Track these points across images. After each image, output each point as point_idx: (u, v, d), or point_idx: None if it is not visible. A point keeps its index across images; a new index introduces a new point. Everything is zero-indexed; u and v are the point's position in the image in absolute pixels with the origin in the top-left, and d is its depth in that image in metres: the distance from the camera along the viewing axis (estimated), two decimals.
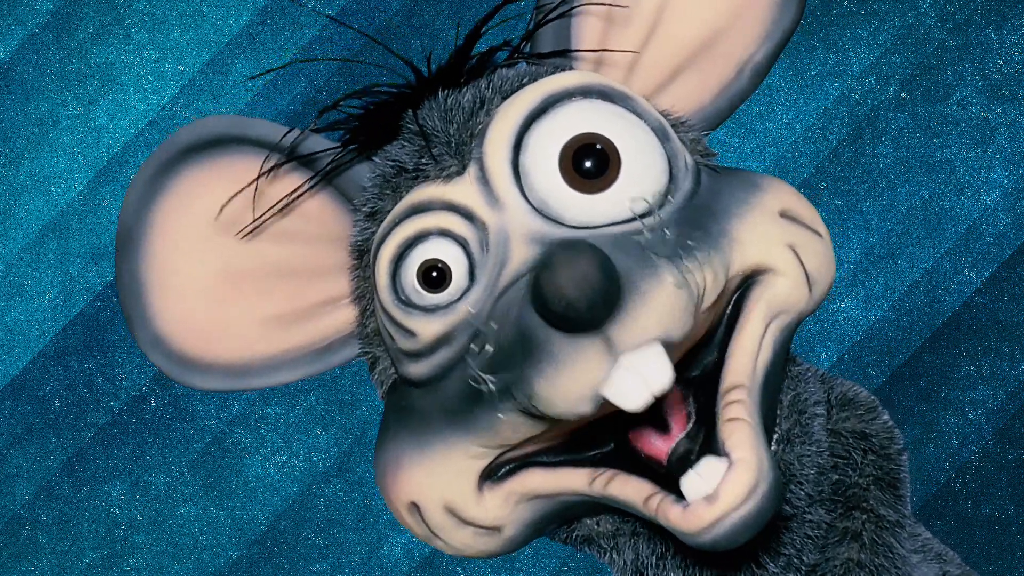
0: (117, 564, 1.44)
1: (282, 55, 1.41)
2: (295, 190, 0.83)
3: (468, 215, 0.79)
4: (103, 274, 1.42)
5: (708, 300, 0.77)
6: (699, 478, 0.74)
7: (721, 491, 0.74)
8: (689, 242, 0.76)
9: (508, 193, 0.79)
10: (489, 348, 0.75)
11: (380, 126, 0.83)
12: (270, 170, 0.83)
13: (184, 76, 1.42)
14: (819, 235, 0.83)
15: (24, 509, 1.43)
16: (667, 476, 0.76)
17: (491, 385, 0.75)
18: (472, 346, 0.76)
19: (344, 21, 1.40)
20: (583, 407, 0.74)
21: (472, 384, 0.76)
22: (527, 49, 0.84)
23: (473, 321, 0.78)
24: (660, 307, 0.73)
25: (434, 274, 0.79)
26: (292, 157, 0.83)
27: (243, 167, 0.84)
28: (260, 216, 0.83)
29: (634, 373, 0.73)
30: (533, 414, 0.76)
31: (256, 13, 1.42)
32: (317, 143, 0.84)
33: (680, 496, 0.75)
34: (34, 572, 1.44)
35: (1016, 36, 1.41)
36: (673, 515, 0.75)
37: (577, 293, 0.70)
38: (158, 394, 1.43)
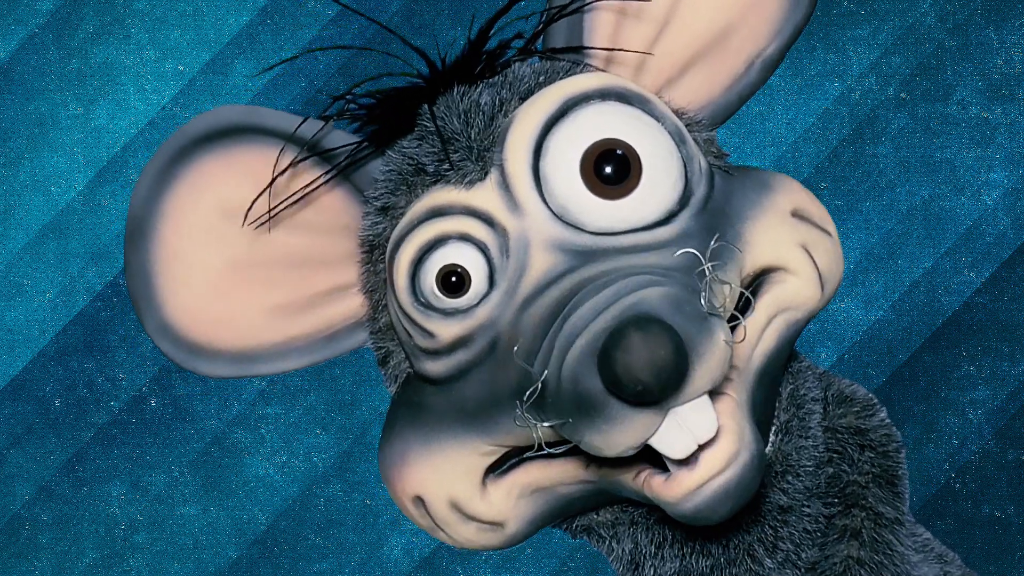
0: (117, 564, 1.44)
1: (282, 55, 1.41)
2: (311, 183, 0.83)
3: (488, 220, 0.79)
4: (103, 274, 1.42)
5: (728, 313, 0.77)
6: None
7: (702, 458, 0.74)
8: (712, 265, 0.77)
9: (528, 199, 0.79)
10: (541, 389, 0.75)
11: (395, 120, 0.83)
12: (288, 167, 0.83)
13: (184, 76, 1.42)
14: (829, 234, 0.83)
15: (24, 509, 1.43)
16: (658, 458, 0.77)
17: (540, 431, 0.75)
18: (528, 392, 0.76)
19: (345, 20, 1.40)
20: (628, 452, 0.74)
21: (518, 421, 0.76)
22: (540, 44, 0.84)
23: (494, 329, 0.78)
24: (714, 366, 0.73)
25: (453, 279, 0.79)
26: (311, 153, 0.83)
27: (255, 157, 0.84)
28: (274, 207, 0.83)
29: (683, 428, 0.74)
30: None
31: (256, 13, 1.42)
32: (331, 135, 0.84)
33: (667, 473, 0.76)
34: (34, 572, 1.44)
35: (1016, 36, 1.41)
36: (656, 484, 0.76)
37: (652, 378, 0.70)
38: (158, 394, 1.43)
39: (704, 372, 0.73)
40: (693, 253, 0.77)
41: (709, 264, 0.76)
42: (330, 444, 1.43)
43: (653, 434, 0.73)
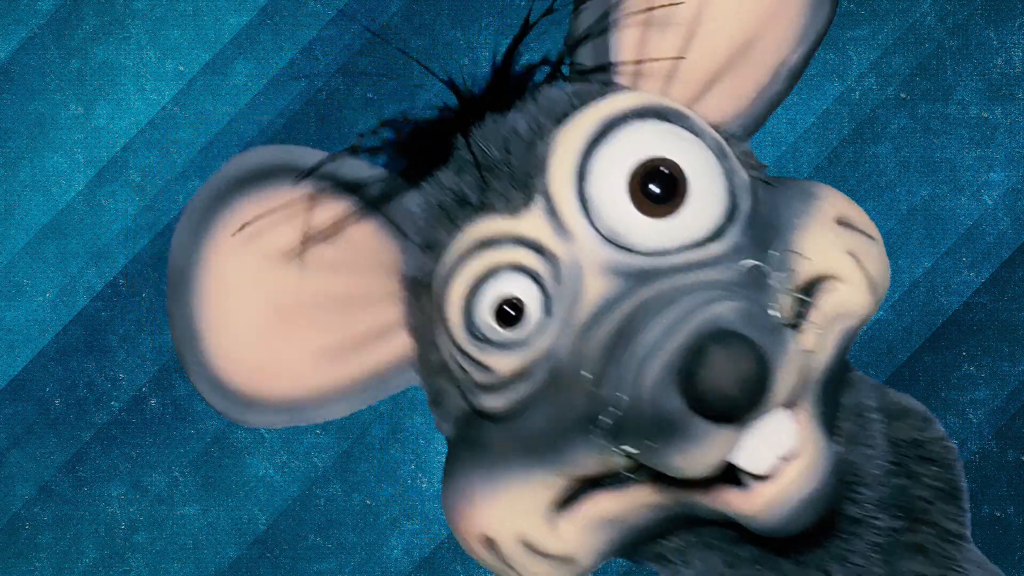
0: (117, 564, 1.44)
1: (282, 55, 1.41)
2: (344, 219, 0.82)
3: (538, 248, 0.77)
4: (103, 274, 1.42)
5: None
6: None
7: (781, 471, 0.74)
8: (767, 277, 0.76)
9: (577, 224, 0.77)
10: (617, 414, 0.74)
11: (431, 152, 0.81)
12: (310, 198, 0.82)
13: (184, 76, 1.42)
14: (874, 239, 0.82)
15: (24, 509, 1.43)
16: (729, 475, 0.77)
17: (620, 457, 0.75)
18: (602, 418, 0.75)
19: (345, 21, 1.40)
20: (709, 471, 0.74)
21: (597, 449, 0.75)
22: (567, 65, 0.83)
23: (553, 360, 0.77)
24: (791, 377, 0.73)
25: (510, 310, 0.79)
26: (345, 190, 0.82)
27: (291, 198, 0.83)
28: (305, 243, 0.82)
29: (764, 442, 0.73)
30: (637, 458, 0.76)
31: (256, 13, 1.42)
32: (364, 170, 0.82)
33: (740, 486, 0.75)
34: (34, 572, 1.44)
35: (1016, 36, 1.41)
36: (733, 498, 0.75)
37: (740, 393, 0.69)
38: (158, 394, 1.43)
39: (783, 384, 0.72)
40: (752, 264, 0.76)
41: (774, 275, 0.75)
42: (330, 444, 1.43)
43: (734, 450, 0.73)
